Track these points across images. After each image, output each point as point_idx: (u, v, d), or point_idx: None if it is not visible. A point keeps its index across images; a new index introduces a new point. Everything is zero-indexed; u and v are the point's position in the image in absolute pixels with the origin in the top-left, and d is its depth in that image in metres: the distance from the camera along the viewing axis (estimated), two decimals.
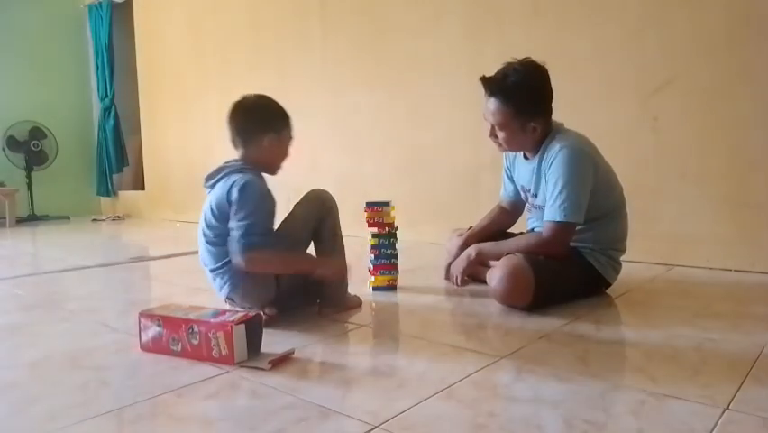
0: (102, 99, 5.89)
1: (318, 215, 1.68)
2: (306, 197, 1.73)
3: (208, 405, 1.05)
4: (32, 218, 5.37)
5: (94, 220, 5.49)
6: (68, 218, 5.60)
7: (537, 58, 1.86)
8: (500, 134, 1.79)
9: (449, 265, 2.02)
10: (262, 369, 1.20)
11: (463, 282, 1.88)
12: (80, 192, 6.03)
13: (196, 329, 1.28)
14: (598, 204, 1.76)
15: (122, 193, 5.96)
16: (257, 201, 1.50)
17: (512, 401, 1.05)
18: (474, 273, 1.97)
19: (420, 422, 0.96)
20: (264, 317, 1.58)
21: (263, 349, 1.30)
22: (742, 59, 2.22)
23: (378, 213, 2.00)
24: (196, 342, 1.28)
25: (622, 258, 1.89)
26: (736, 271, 2.25)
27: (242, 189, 1.49)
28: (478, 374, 1.18)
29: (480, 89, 1.83)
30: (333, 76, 3.75)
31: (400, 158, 3.43)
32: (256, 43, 4.29)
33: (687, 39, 2.34)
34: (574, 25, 2.64)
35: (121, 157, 5.89)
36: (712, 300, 1.81)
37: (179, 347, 1.30)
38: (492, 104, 1.76)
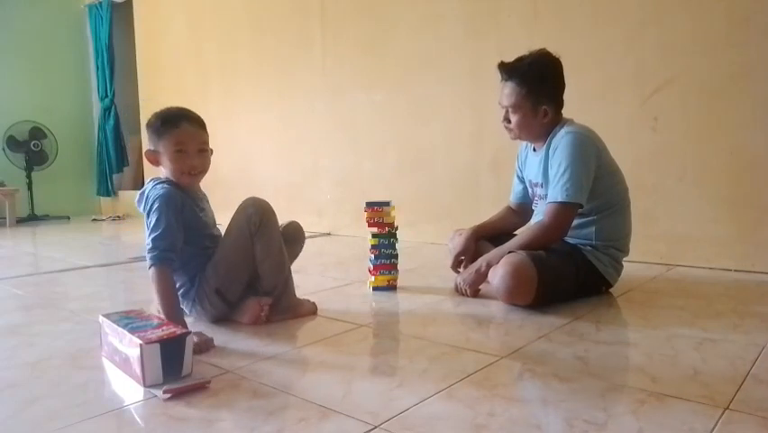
0: (102, 99, 5.89)
1: (248, 231, 1.56)
2: (236, 211, 1.61)
3: (208, 405, 1.05)
4: (32, 218, 5.37)
5: (94, 220, 5.49)
6: (68, 218, 5.60)
7: None
8: (513, 118, 1.84)
9: (457, 256, 2.03)
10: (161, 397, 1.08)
11: (474, 294, 1.87)
12: (80, 192, 6.03)
13: (123, 342, 1.20)
14: (601, 193, 1.77)
15: (122, 193, 5.96)
16: (157, 215, 1.45)
17: (512, 401, 1.05)
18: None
19: (420, 422, 0.96)
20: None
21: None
22: (742, 59, 2.22)
23: (378, 213, 1.99)
24: (122, 356, 1.21)
25: (624, 259, 1.89)
26: (735, 271, 2.25)
27: (146, 203, 1.48)
28: (478, 374, 1.18)
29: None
30: (333, 75, 3.75)
31: (400, 158, 3.43)
32: (256, 43, 4.29)
33: (687, 39, 2.34)
34: (574, 25, 2.64)
35: (121, 157, 5.89)
36: (712, 300, 1.81)
37: (117, 359, 1.25)
38: (507, 87, 1.83)
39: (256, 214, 1.56)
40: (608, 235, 1.81)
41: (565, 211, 1.73)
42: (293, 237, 1.83)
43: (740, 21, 2.22)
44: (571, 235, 1.82)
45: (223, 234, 1.63)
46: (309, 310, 1.70)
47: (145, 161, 1.63)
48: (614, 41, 2.53)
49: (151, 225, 1.45)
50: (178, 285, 1.55)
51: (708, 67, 2.29)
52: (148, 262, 1.44)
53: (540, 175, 1.86)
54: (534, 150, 1.93)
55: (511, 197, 2.13)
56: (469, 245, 2.01)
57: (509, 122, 1.86)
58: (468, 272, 1.87)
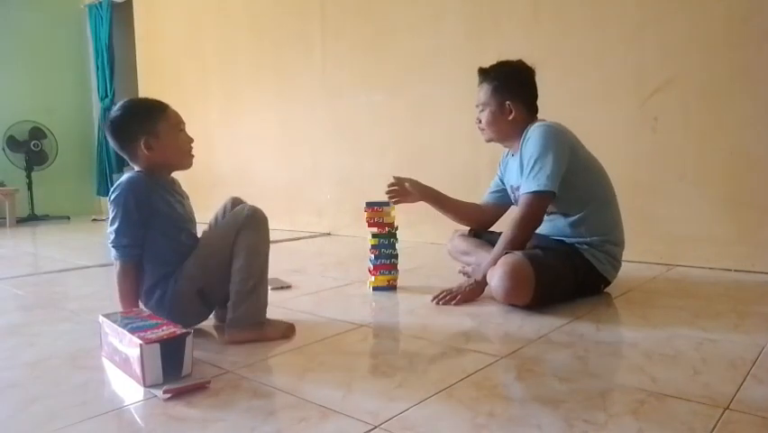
0: (102, 99, 5.89)
1: (237, 225, 1.43)
2: (231, 214, 1.50)
3: (208, 405, 1.05)
4: (31, 218, 5.37)
5: (94, 220, 5.49)
6: (68, 218, 5.60)
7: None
8: (483, 117, 1.91)
9: (397, 181, 2.04)
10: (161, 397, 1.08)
11: (446, 303, 1.79)
12: (80, 192, 6.03)
13: (123, 342, 1.20)
14: (583, 189, 1.79)
15: None
16: (118, 208, 1.40)
17: (512, 401, 1.05)
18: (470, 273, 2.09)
19: (420, 422, 0.96)
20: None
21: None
22: (741, 59, 2.22)
23: (378, 213, 2.00)
24: (122, 356, 1.21)
25: (623, 258, 1.89)
26: (735, 271, 2.25)
27: (112, 194, 1.42)
28: (478, 374, 1.18)
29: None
30: (333, 76, 3.75)
31: (400, 158, 3.43)
32: (256, 43, 4.29)
33: (686, 39, 2.34)
34: (574, 26, 2.64)
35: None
36: (712, 300, 1.81)
37: (117, 359, 1.24)
38: (481, 88, 1.91)
39: (250, 210, 1.45)
40: (599, 230, 1.81)
41: (537, 200, 1.74)
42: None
43: (739, 21, 2.22)
44: (564, 235, 1.82)
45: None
46: (277, 334, 1.45)
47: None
48: (614, 42, 2.53)
49: (111, 216, 1.42)
50: (147, 288, 1.45)
51: (708, 67, 2.29)
52: (113, 255, 1.42)
53: (519, 178, 1.86)
54: (513, 155, 1.95)
55: (484, 195, 2.16)
56: (414, 187, 2.04)
57: (480, 121, 1.92)
58: (470, 289, 1.80)
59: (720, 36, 2.26)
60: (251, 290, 1.41)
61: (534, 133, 1.78)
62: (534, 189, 1.73)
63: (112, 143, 1.49)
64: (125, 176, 1.45)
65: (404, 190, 2.04)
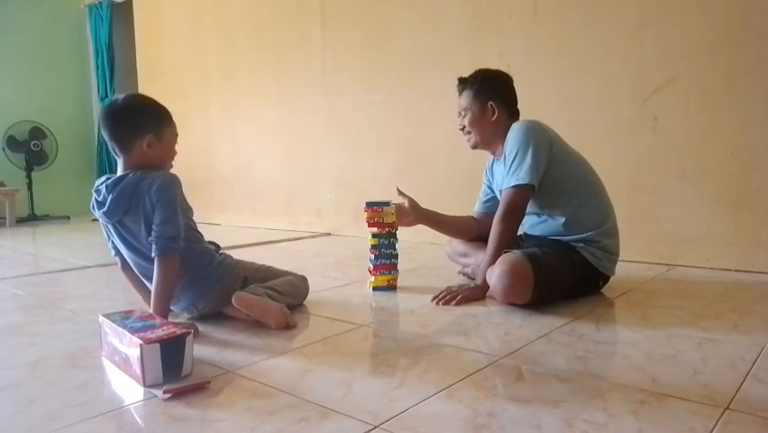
0: (102, 99, 5.89)
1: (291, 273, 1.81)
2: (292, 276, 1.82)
3: (208, 405, 1.05)
4: (32, 218, 5.37)
5: (94, 220, 5.49)
6: (68, 218, 5.60)
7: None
8: (465, 122, 1.94)
9: (406, 203, 2.00)
10: (161, 397, 1.08)
11: (446, 304, 1.79)
12: (80, 192, 6.02)
13: (123, 342, 1.20)
14: (568, 178, 1.80)
15: None
16: (172, 202, 1.46)
17: (512, 401, 1.05)
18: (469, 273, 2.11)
19: (420, 422, 0.96)
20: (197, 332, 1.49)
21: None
22: (741, 59, 2.22)
23: (378, 213, 1.99)
24: (122, 356, 1.21)
25: (620, 257, 1.89)
26: (735, 271, 2.25)
27: (160, 190, 1.44)
28: (478, 374, 1.18)
29: None
30: (333, 76, 3.76)
31: (400, 158, 3.44)
32: (256, 43, 4.30)
33: (686, 39, 2.34)
34: (574, 25, 2.64)
35: None
36: (712, 300, 1.81)
37: (117, 359, 1.25)
38: (461, 96, 1.96)
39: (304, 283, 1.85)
40: (592, 223, 1.80)
41: (516, 194, 1.76)
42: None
43: (739, 20, 2.22)
44: (559, 235, 1.82)
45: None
46: (279, 317, 1.54)
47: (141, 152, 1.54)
48: (614, 42, 2.53)
49: (168, 211, 1.44)
50: (192, 264, 1.57)
51: (708, 67, 2.29)
52: (169, 248, 1.43)
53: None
54: (498, 160, 1.97)
55: (475, 206, 2.16)
56: (412, 205, 2.00)
57: (464, 127, 1.95)
58: (472, 290, 1.81)
59: (720, 36, 2.26)
60: (279, 291, 1.66)
61: (511, 134, 1.82)
62: (513, 184, 1.76)
63: (110, 129, 1.48)
64: (159, 173, 1.49)
65: (403, 211, 2.00)
